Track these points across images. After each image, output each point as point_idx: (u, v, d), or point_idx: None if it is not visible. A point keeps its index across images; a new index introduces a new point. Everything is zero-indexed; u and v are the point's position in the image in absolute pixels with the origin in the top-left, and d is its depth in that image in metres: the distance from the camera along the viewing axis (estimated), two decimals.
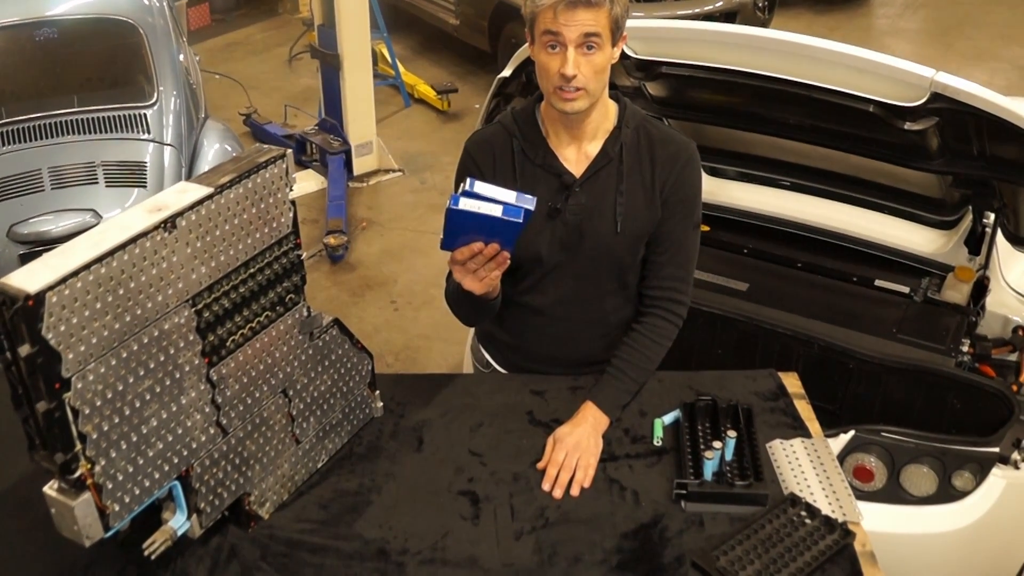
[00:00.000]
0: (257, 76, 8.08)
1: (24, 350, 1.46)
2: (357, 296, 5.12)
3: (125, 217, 1.63)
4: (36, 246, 3.79)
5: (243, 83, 7.49)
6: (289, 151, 1.84)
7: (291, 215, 1.88)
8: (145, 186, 4.02)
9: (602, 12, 1.98)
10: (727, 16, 7.11)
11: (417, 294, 5.13)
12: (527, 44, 2.17)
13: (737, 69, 2.76)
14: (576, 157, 2.21)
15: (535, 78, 3.16)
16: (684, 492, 2.00)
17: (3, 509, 2.01)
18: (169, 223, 1.63)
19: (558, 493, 2.04)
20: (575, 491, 2.05)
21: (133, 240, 1.57)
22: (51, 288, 1.46)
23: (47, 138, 4.09)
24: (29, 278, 1.47)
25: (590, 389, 2.26)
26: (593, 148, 2.21)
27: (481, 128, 2.35)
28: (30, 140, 4.08)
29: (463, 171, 2.26)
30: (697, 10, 7.03)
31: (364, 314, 4.88)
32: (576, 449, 2.10)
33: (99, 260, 1.53)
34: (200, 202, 1.68)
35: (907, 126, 2.64)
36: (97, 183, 3.97)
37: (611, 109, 2.23)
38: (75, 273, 1.49)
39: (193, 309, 1.71)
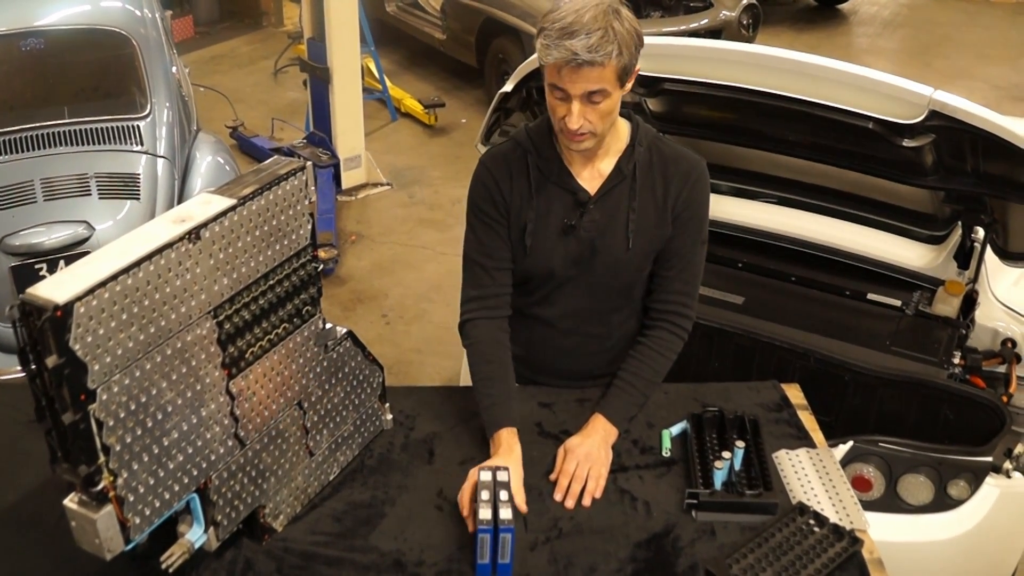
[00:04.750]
0: (242, 89, 8.07)
1: (51, 361, 1.46)
2: (348, 310, 5.12)
3: (149, 228, 1.64)
4: (28, 258, 3.76)
5: (228, 96, 7.46)
6: (309, 164, 1.86)
7: (309, 227, 1.90)
8: (138, 198, 3.99)
9: (608, 68, 1.97)
10: (712, 34, 7.19)
11: (408, 308, 5.14)
12: (529, 59, 2.18)
13: (738, 86, 2.81)
14: (590, 174, 2.23)
15: (535, 94, 3.21)
16: (695, 502, 2.02)
17: (12, 524, 2.00)
18: (193, 234, 1.64)
19: (570, 503, 2.06)
20: (587, 501, 2.07)
21: (159, 251, 1.58)
22: (79, 299, 1.46)
23: (39, 149, 4.05)
24: (57, 289, 1.47)
25: (598, 401, 2.28)
26: (606, 166, 2.23)
27: (495, 145, 2.35)
28: (22, 151, 4.03)
29: (480, 185, 2.27)
30: (683, 27, 7.11)
31: (355, 328, 4.77)
32: (587, 460, 2.12)
33: (125, 271, 1.53)
34: (224, 213, 1.69)
35: (904, 143, 2.69)
36: (90, 195, 3.93)
37: (622, 128, 2.24)
38: (102, 284, 1.50)
39: (215, 320, 1.72)
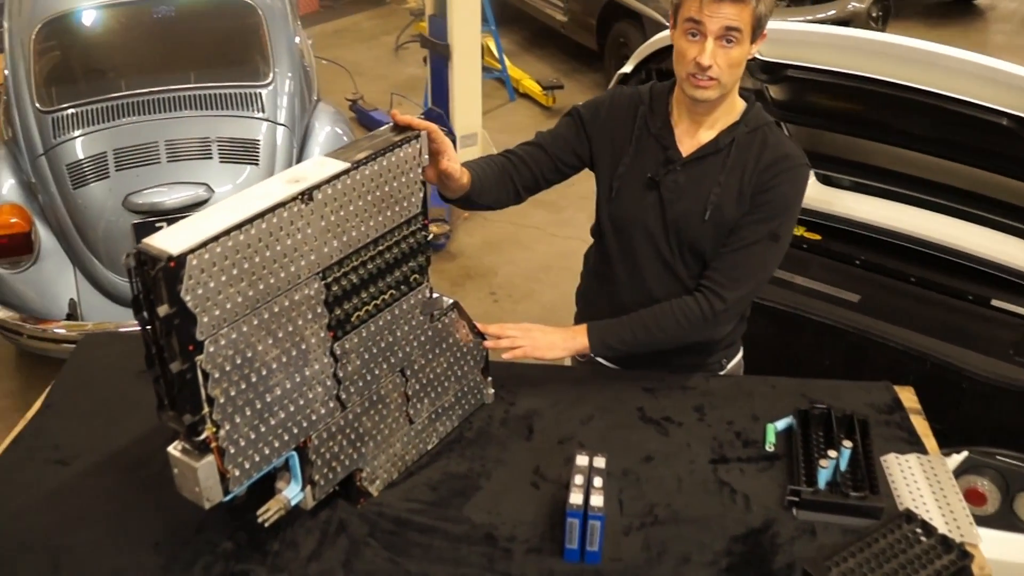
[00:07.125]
0: (363, 63, 8.17)
1: (163, 310, 1.50)
2: (457, 286, 5.15)
3: (263, 186, 1.66)
4: (150, 216, 3.89)
5: (349, 69, 7.58)
6: (424, 132, 1.86)
7: (422, 196, 1.90)
8: (258, 163, 4.09)
9: (747, 8, 2.00)
10: (840, 24, 6.98)
11: (517, 287, 5.14)
12: (669, 30, 2.16)
13: (865, 75, 2.71)
14: (690, 140, 2.24)
15: (654, 76, 3.16)
16: (797, 499, 1.96)
17: (119, 467, 2.06)
18: (306, 195, 1.65)
19: (489, 344, 2.21)
20: (488, 344, 2.21)
21: (272, 209, 1.60)
22: (192, 251, 1.49)
23: (165, 112, 4.18)
24: (171, 240, 1.50)
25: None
26: (707, 136, 2.23)
27: (630, 86, 2.41)
28: (149, 113, 4.17)
29: (596, 103, 2.35)
30: (809, 17, 6.92)
31: (463, 304, 4.86)
32: (528, 335, 2.21)
33: (238, 227, 1.55)
34: (336, 176, 1.70)
35: None
36: (211, 158, 4.05)
37: (738, 106, 2.23)
38: (215, 238, 1.52)
39: (323, 282, 1.74)
